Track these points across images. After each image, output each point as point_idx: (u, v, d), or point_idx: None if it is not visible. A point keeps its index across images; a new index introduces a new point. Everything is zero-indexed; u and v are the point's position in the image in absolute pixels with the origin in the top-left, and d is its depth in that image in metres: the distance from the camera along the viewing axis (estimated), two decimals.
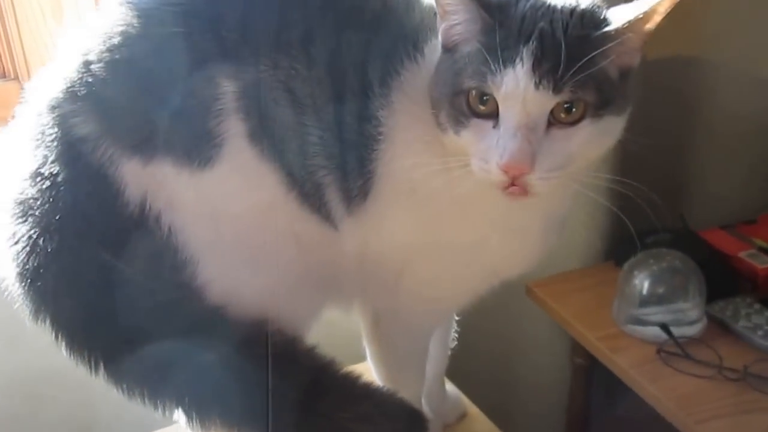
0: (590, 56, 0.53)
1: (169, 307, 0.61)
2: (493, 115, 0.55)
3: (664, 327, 0.95)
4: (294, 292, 0.64)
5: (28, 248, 0.60)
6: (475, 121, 0.56)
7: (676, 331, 0.95)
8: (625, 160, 1.18)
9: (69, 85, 0.59)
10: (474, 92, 0.55)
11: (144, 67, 0.59)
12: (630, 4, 0.56)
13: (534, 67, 0.53)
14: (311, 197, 0.62)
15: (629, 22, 0.54)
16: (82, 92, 0.59)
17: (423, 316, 0.72)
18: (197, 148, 0.59)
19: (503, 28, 0.55)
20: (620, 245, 1.13)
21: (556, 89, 0.53)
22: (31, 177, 0.60)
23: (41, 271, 0.59)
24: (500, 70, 0.54)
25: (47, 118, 0.60)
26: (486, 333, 1.14)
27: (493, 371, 1.21)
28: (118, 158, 0.58)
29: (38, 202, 0.59)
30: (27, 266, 0.60)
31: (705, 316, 0.99)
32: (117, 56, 0.58)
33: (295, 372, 0.62)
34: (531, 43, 0.53)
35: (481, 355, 1.14)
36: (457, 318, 0.84)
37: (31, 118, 0.61)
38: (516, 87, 0.53)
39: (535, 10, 0.55)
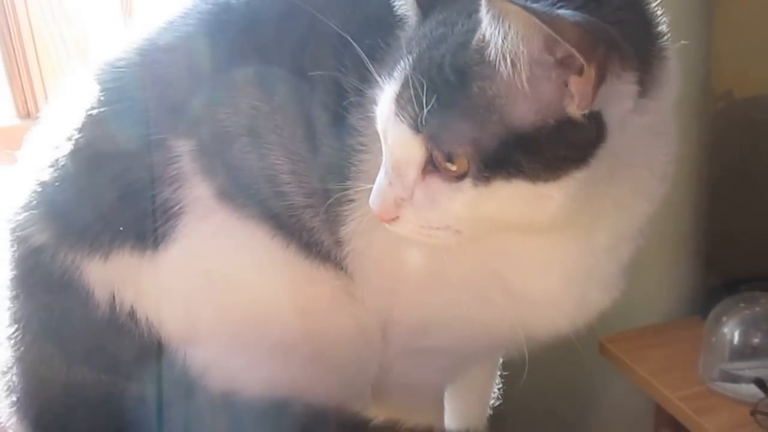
0: (467, 91, 0.42)
1: (172, 406, 0.54)
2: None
3: (760, 383, 0.80)
4: (309, 368, 0.56)
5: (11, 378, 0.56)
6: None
7: None
8: (716, 200, 1.08)
9: (25, 198, 0.56)
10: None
11: (87, 155, 0.54)
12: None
13: (399, 93, 0.43)
14: (312, 245, 0.54)
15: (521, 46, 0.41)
16: (34, 201, 0.55)
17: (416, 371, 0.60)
18: (153, 224, 0.53)
19: (420, 28, 0.45)
20: (708, 296, 0.99)
21: (415, 126, 0.42)
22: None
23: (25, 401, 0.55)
24: (383, 86, 0.44)
25: (8, 237, 0.56)
26: (554, 394, 1.01)
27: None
28: (78, 261, 0.53)
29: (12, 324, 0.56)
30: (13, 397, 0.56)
31: None
32: (61, 155, 0.54)
33: None
34: (408, 58, 0.43)
35: (548, 420, 1.00)
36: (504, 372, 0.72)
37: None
38: (382, 111, 0.44)
39: (456, 14, 0.44)
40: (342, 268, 0.56)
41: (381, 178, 0.45)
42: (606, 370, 1.00)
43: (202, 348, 0.54)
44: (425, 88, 0.41)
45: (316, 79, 0.52)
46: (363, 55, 0.47)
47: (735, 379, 0.83)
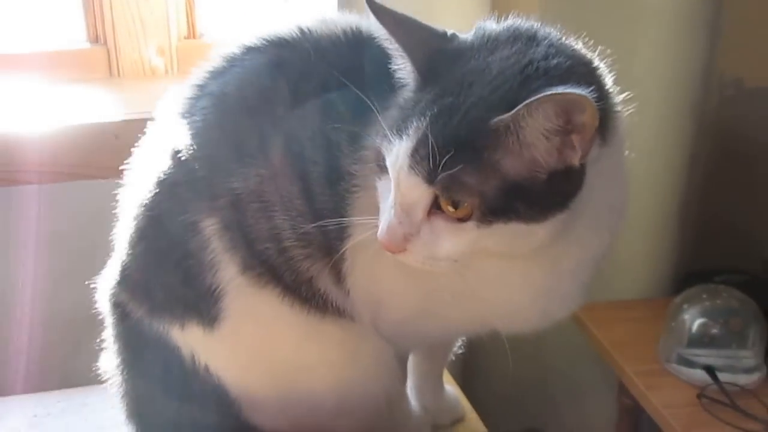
0: (482, 159, 0.47)
1: None
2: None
3: (710, 370, 0.85)
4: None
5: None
6: (384, 177, 0.51)
7: (727, 377, 0.86)
8: (710, 187, 1.10)
9: (119, 269, 0.63)
10: (380, 149, 0.50)
11: (152, 240, 0.61)
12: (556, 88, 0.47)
13: (414, 150, 0.48)
14: (311, 298, 0.59)
15: (519, 115, 0.46)
16: (124, 283, 0.63)
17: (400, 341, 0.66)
18: (206, 306, 0.59)
19: (424, 92, 0.50)
20: (684, 281, 1.04)
21: (429, 180, 0.47)
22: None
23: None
24: (393, 139, 0.49)
25: (111, 308, 0.65)
26: (523, 354, 1.06)
27: (525, 397, 1.13)
28: (167, 328, 0.61)
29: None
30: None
31: (765, 367, 0.89)
32: (137, 234, 0.61)
33: None
34: (422, 120, 0.48)
35: (514, 377, 1.06)
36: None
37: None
38: (395, 162, 0.48)
39: (462, 79, 0.49)
40: (341, 313, 0.61)
41: (390, 216, 0.50)
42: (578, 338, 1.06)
43: (258, 410, 0.62)
44: (439, 150, 0.47)
45: (305, 138, 0.57)
46: (376, 111, 0.50)
47: (689, 363, 0.89)
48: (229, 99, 0.59)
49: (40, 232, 0.95)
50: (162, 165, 0.60)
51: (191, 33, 1.12)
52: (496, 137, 0.47)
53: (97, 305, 0.67)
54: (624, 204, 0.58)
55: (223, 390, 0.62)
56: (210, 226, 0.58)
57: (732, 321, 0.88)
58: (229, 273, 0.58)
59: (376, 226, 0.51)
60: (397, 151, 0.48)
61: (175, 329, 0.61)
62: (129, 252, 0.62)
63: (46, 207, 0.95)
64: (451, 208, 0.48)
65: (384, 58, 0.54)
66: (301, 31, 0.59)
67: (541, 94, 0.45)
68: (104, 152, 0.94)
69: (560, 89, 0.46)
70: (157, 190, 0.60)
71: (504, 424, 1.10)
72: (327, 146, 0.56)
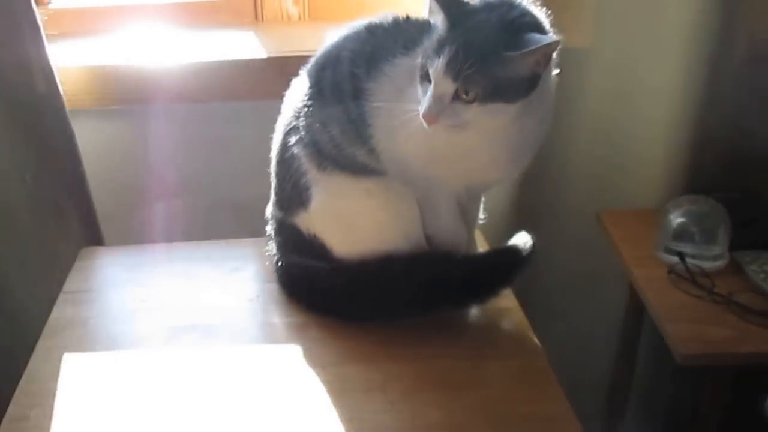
0: (486, 68, 0.82)
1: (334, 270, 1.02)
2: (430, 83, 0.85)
3: (680, 255, 1.16)
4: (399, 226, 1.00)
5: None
6: (425, 84, 0.86)
7: (696, 263, 1.16)
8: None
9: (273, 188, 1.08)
10: (425, 65, 0.86)
11: (279, 163, 1.04)
12: (537, 35, 0.82)
13: (446, 64, 0.82)
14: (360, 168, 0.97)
15: (525, 53, 0.81)
16: (275, 192, 1.07)
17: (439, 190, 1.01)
18: (304, 196, 1.00)
19: (450, 31, 0.84)
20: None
21: (455, 80, 0.83)
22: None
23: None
24: (434, 58, 0.84)
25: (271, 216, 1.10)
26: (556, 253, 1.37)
27: (551, 278, 1.42)
28: (292, 217, 1.03)
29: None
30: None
31: (728, 260, 1.18)
32: (276, 158, 1.05)
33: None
34: (450, 47, 0.82)
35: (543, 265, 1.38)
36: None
37: None
38: (435, 71, 0.84)
39: (475, 25, 0.84)
40: (378, 173, 0.97)
41: (430, 101, 0.84)
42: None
43: (341, 250, 1.01)
44: (461, 62, 0.82)
45: (344, 79, 0.94)
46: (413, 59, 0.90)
47: (671, 252, 1.19)
48: (323, 53, 0.99)
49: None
50: (286, 113, 1.01)
51: None
52: (503, 61, 0.83)
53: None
54: (547, 116, 0.94)
55: (322, 244, 1.02)
56: (300, 151, 0.98)
57: (705, 222, 1.18)
58: (312, 173, 0.98)
59: (395, 116, 0.90)
60: (437, 63, 0.84)
61: (294, 216, 1.02)
62: (275, 171, 1.04)
63: (206, 123, 1.34)
64: (464, 95, 0.84)
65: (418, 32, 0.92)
66: (384, 17, 0.97)
67: (543, 43, 0.81)
68: (251, 82, 1.32)
69: (547, 39, 0.82)
70: (282, 131, 1.02)
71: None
72: (351, 77, 0.94)
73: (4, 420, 0.85)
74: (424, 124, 0.85)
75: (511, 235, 1.03)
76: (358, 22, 0.98)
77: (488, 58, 0.82)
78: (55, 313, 1.03)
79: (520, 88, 0.85)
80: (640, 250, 1.23)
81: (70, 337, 0.99)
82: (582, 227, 1.37)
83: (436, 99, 0.84)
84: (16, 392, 0.89)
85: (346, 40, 0.97)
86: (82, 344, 0.98)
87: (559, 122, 1.28)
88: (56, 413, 0.86)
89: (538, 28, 0.85)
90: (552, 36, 0.83)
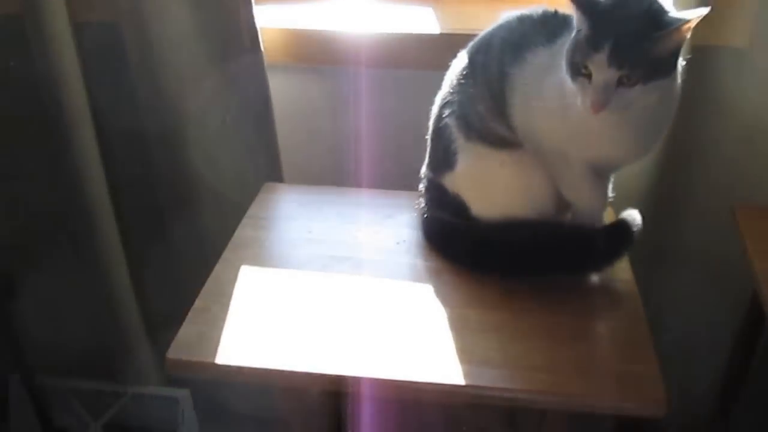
0: (644, 52, 0.92)
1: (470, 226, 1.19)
2: (588, 77, 0.95)
3: None
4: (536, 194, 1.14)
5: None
6: (580, 78, 0.96)
7: None
8: None
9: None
10: (580, 62, 0.95)
11: (435, 130, 1.21)
12: (681, 12, 0.91)
13: (609, 56, 0.92)
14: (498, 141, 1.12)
15: (675, 28, 0.90)
16: (429, 156, 1.26)
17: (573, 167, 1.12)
18: (451, 160, 1.16)
19: (598, 27, 0.94)
20: None
21: (620, 68, 0.92)
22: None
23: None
24: (592, 54, 0.93)
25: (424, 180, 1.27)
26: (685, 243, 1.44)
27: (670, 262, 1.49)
28: (439, 178, 1.20)
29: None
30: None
31: None
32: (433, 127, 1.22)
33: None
34: (610, 41, 0.92)
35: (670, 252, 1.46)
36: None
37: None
38: (599, 65, 0.93)
39: (620, 18, 0.93)
40: (515, 146, 1.11)
41: (597, 92, 0.94)
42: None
43: (479, 208, 1.17)
44: (626, 52, 0.92)
45: (493, 63, 1.09)
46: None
47: None
48: (476, 42, 1.14)
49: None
50: (444, 88, 1.17)
51: None
52: (655, 41, 0.93)
53: None
54: (677, 89, 1.04)
55: (463, 203, 1.18)
56: (452, 122, 1.14)
57: None
58: (460, 141, 1.14)
59: (531, 98, 1.04)
60: (598, 57, 0.94)
61: (442, 177, 1.19)
62: (430, 137, 1.21)
63: (379, 86, 1.50)
64: (626, 80, 0.94)
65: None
66: (535, 9, 1.10)
67: (692, 17, 0.91)
68: (426, 52, 1.47)
69: (691, 14, 0.92)
70: (439, 104, 1.18)
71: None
72: (499, 61, 1.08)
73: (191, 309, 1.08)
74: (590, 112, 0.96)
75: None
76: (513, 12, 1.10)
77: (643, 42, 0.92)
78: (238, 232, 1.26)
79: (669, 63, 0.96)
80: (766, 244, 1.28)
81: (248, 253, 1.21)
82: (716, 221, 1.43)
83: (603, 89, 0.94)
84: (202, 290, 1.12)
85: (500, 28, 1.11)
86: (257, 260, 1.19)
87: (707, 118, 1.37)
88: (231, 309, 1.09)
89: (670, 10, 0.95)
90: (698, 10, 0.91)
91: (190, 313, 1.07)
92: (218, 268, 1.17)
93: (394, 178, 1.46)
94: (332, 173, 1.53)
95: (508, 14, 1.11)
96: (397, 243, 1.24)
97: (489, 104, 1.09)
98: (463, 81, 1.11)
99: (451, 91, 1.14)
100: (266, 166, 1.50)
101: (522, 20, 1.08)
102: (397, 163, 1.53)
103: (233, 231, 1.26)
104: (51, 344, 1.72)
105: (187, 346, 1.02)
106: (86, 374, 1.81)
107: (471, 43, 1.15)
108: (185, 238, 1.58)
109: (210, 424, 1.81)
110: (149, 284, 1.71)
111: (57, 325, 1.73)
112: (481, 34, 1.14)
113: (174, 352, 1.01)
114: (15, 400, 1.74)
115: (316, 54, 1.48)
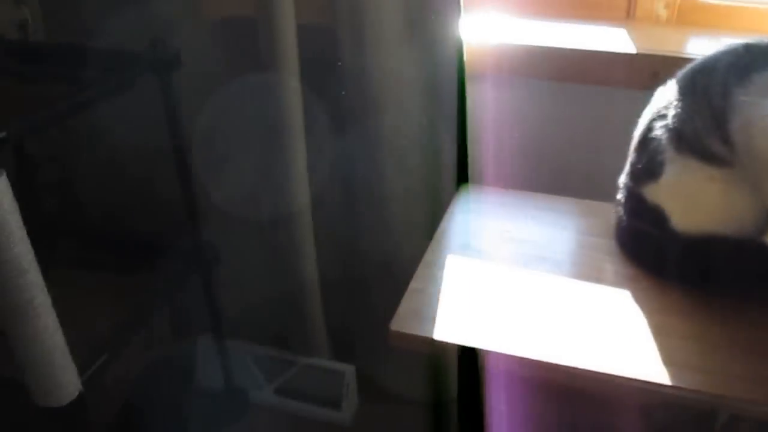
0: None
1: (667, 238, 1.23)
2: None
3: None
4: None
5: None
6: None
7: None
8: None
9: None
10: None
11: (640, 141, 1.26)
12: None
13: None
14: (709, 154, 1.15)
15: None
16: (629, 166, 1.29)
17: None
18: (657, 171, 1.20)
19: None
20: None
21: None
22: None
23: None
24: None
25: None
26: None
27: None
28: (642, 189, 1.24)
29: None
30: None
31: None
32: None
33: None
34: None
35: None
36: None
37: None
38: None
39: None
40: (727, 164, 1.14)
41: None
42: None
43: (681, 219, 1.21)
44: None
45: (716, 84, 1.13)
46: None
47: None
48: (700, 67, 1.19)
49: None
50: (655, 103, 1.23)
51: None
52: None
53: None
54: None
55: (662, 214, 1.22)
56: (662, 134, 1.19)
57: None
58: (669, 153, 1.18)
59: (755, 116, 1.07)
60: None
61: (643, 187, 1.24)
62: (635, 147, 1.26)
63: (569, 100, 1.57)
64: None
65: None
66: (761, 39, 1.15)
67: None
68: (618, 72, 1.53)
69: None
70: (649, 117, 1.23)
71: None
72: (723, 82, 1.12)
73: (408, 290, 1.20)
74: None
75: None
76: (737, 41, 1.16)
77: None
78: (442, 225, 1.37)
79: None
80: None
81: (453, 243, 1.32)
82: None
83: None
84: (415, 273, 1.24)
85: (725, 53, 1.16)
86: (462, 250, 1.30)
87: None
88: (442, 290, 1.20)
89: None
90: None
91: (407, 293, 1.19)
92: (427, 255, 1.28)
93: (578, 187, 1.54)
94: (520, 178, 1.62)
95: (732, 43, 1.17)
96: (592, 248, 1.31)
97: (708, 122, 1.14)
98: (681, 98, 1.17)
99: (666, 106, 1.20)
100: (456, 169, 1.60)
101: (749, 47, 1.14)
102: (588, 173, 1.60)
103: (422, 226, 1.37)
104: (240, 312, 1.89)
105: (406, 320, 1.13)
106: (265, 342, 2.00)
107: (690, 65, 1.21)
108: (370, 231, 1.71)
109: (369, 402, 1.94)
110: (333, 280, 1.86)
111: (247, 296, 1.90)
112: (702, 59, 1.20)
113: (397, 325, 1.12)
114: (203, 358, 1.91)
115: (511, 66, 1.58)
